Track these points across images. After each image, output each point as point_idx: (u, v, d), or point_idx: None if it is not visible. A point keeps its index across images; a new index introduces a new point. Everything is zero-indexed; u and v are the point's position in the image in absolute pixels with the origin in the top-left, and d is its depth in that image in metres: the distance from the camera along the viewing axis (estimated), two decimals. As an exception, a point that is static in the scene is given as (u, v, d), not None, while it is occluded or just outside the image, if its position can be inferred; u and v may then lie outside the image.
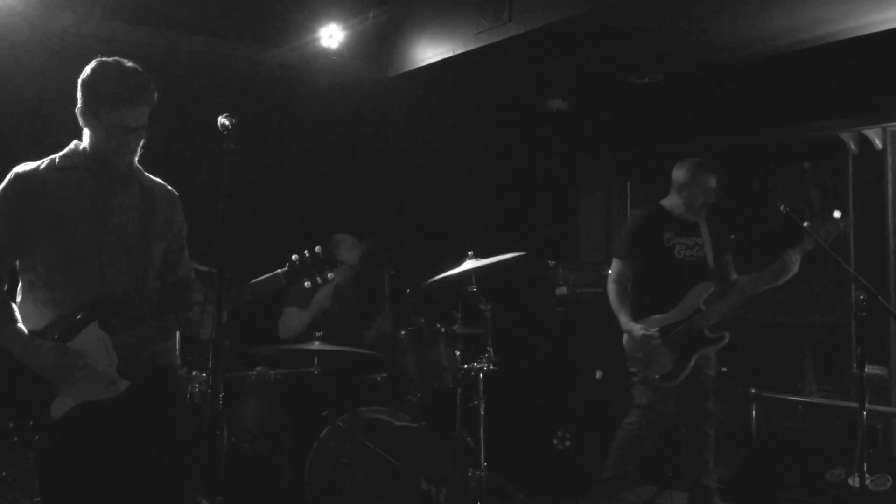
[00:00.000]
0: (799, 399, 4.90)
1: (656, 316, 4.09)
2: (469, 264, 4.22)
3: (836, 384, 5.01)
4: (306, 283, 2.69)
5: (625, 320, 4.13)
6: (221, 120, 2.39)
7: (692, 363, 4.00)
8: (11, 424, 2.39)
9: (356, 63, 5.05)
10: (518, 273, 5.29)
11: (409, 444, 3.89)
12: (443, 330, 4.27)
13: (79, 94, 2.49)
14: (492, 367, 4.30)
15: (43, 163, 2.54)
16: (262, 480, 3.97)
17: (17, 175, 2.49)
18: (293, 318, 4.42)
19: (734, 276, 4.23)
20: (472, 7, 4.57)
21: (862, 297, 3.40)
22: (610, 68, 5.12)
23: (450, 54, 4.77)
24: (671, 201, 4.26)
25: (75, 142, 2.58)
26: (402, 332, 4.27)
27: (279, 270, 2.68)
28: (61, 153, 2.57)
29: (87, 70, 2.48)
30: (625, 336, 4.17)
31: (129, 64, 2.49)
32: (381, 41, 5.18)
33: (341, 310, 4.56)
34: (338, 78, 5.06)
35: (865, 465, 3.39)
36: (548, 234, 5.98)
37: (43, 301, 2.49)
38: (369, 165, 5.44)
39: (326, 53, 4.78)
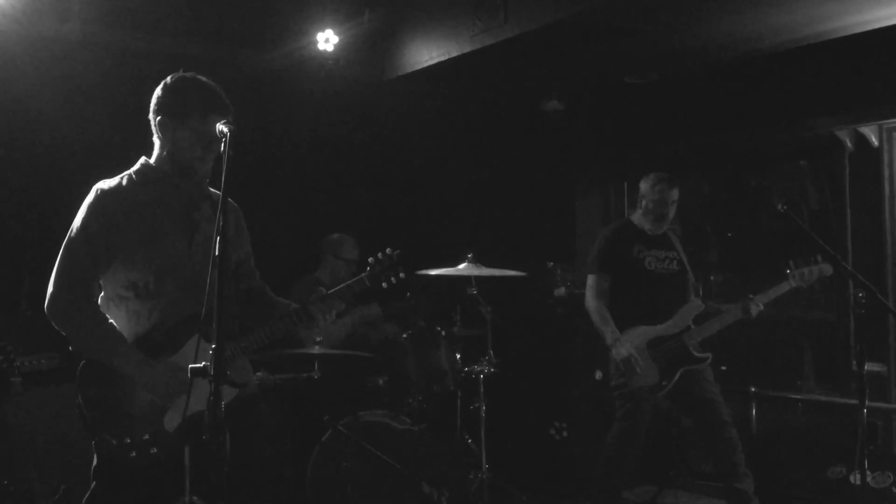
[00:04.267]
0: (798, 397, 4.91)
1: (646, 327, 4.11)
2: (466, 266, 4.21)
3: (835, 381, 5.01)
4: (383, 284, 2.78)
5: (610, 336, 4.11)
6: (220, 127, 2.36)
7: (676, 378, 4.05)
8: (128, 440, 2.41)
9: (352, 67, 5.05)
10: (517, 275, 5.28)
11: (410, 448, 3.89)
12: (443, 333, 4.27)
13: (159, 106, 2.56)
14: (492, 370, 4.30)
15: (123, 178, 2.59)
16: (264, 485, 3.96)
17: (103, 191, 2.54)
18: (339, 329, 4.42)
19: (692, 297, 4.26)
20: (468, 9, 4.57)
21: (861, 294, 3.40)
22: (605, 69, 5.12)
23: (445, 57, 4.77)
24: (639, 215, 4.32)
25: (143, 158, 2.63)
26: (403, 336, 4.27)
27: (363, 274, 2.78)
28: (134, 169, 2.62)
29: (169, 82, 2.58)
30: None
31: (205, 78, 2.59)
32: (376, 45, 5.18)
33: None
34: (334, 82, 5.05)
35: (866, 462, 3.40)
36: (545, 235, 5.97)
37: (136, 312, 2.51)
38: (366, 169, 5.44)
39: (322, 57, 4.77)
